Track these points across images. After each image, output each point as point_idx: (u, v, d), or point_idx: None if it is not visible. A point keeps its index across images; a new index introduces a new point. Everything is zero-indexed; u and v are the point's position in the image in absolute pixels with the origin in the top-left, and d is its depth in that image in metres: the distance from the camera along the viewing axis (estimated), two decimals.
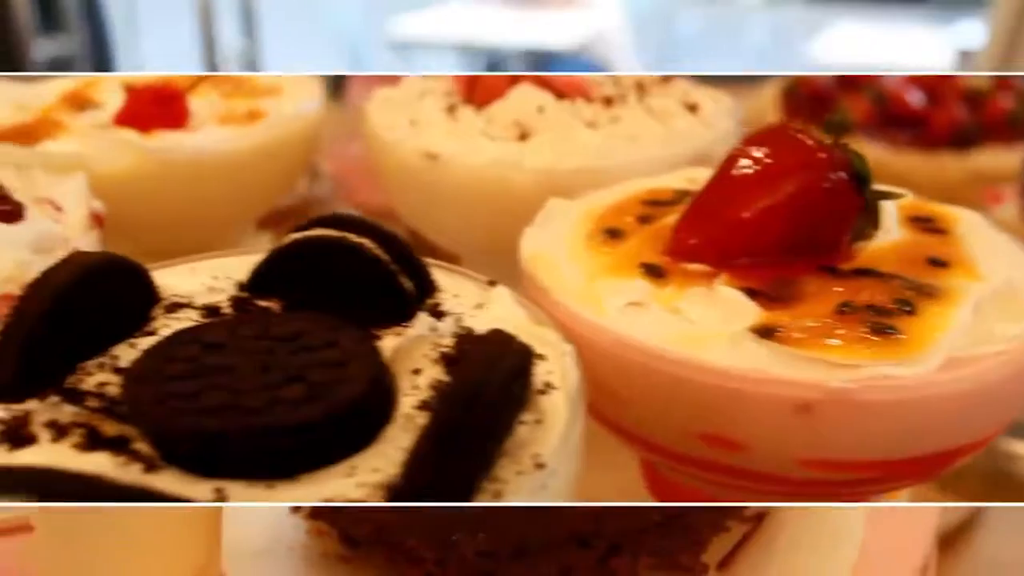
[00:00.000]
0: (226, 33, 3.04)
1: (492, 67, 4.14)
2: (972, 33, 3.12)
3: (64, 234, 0.50)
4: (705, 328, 0.41)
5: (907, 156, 1.04)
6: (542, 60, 4.03)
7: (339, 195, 1.02)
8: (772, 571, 0.49)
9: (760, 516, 0.52)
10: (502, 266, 0.48)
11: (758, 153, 0.45)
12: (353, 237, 0.44)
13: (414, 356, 0.40)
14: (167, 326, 0.43)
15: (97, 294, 0.42)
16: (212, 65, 3.03)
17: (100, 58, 3.09)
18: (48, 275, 0.40)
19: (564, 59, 4.01)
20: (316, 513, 0.53)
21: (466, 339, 0.40)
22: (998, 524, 0.71)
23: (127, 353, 0.41)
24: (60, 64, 2.89)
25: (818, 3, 4.54)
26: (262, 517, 0.55)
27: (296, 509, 0.53)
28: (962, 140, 1.09)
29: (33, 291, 0.40)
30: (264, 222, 0.83)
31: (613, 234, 0.49)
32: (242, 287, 0.46)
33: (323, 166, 1.02)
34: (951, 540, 0.68)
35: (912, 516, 0.54)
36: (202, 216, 0.64)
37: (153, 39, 3.66)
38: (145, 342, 0.42)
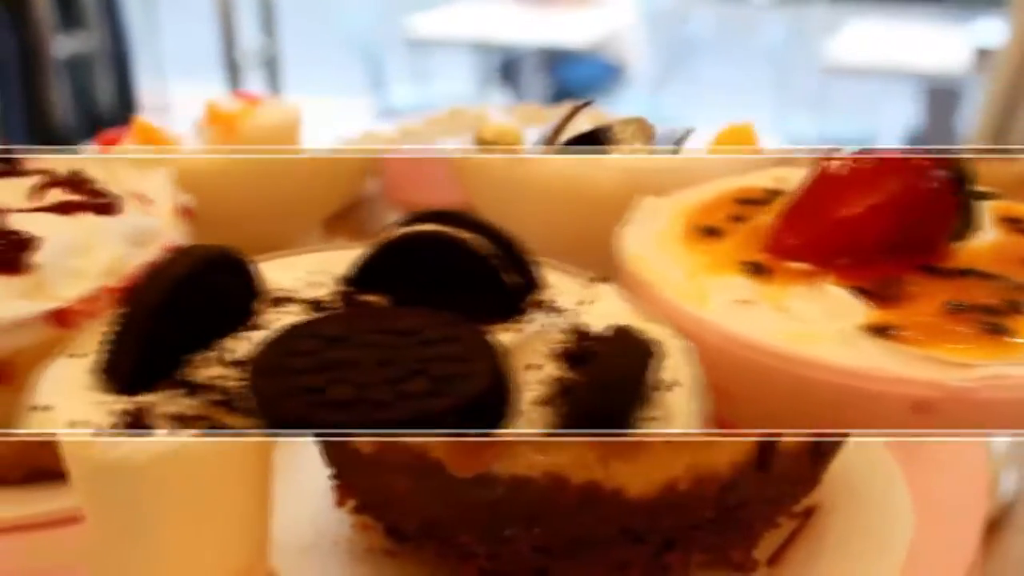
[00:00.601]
0: (246, 31, 3.06)
1: (507, 65, 4.16)
2: (991, 31, 3.12)
3: (158, 227, 0.50)
4: (816, 326, 0.41)
5: None
6: (556, 58, 4.05)
7: (385, 193, 1.03)
8: (821, 566, 0.49)
9: (808, 512, 0.52)
10: (585, 262, 0.48)
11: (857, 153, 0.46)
12: (458, 232, 0.44)
13: (528, 352, 0.41)
14: (274, 320, 0.44)
15: (208, 287, 0.42)
16: (232, 63, 3.06)
17: (118, 56, 3.12)
18: (164, 267, 0.40)
19: (578, 57, 4.03)
20: (362, 507, 0.53)
21: (586, 336, 0.40)
22: None
23: (237, 346, 0.42)
24: (79, 61, 2.94)
25: (834, 1, 4.54)
26: (309, 512, 0.55)
27: (341, 502, 0.54)
28: None
29: (150, 283, 0.40)
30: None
31: (710, 232, 0.49)
32: (344, 282, 0.46)
33: None
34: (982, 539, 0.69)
35: (961, 513, 0.54)
36: (275, 212, 0.65)
37: (173, 37, 3.68)
38: (254, 336, 0.42)
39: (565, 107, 0.64)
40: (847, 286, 0.43)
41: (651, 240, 0.49)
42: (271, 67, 3.23)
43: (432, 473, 0.49)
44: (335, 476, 0.56)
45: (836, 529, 0.52)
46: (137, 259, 0.48)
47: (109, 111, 2.96)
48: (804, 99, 4.17)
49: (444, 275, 0.44)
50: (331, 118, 1.06)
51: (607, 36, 4.00)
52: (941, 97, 3.78)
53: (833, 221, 0.45)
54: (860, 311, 0.42)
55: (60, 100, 2.84)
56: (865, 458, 0.58)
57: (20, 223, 0.48)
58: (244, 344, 0.42)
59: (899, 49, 3.94)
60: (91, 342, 0.42)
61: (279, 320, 0.43)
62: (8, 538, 0.53)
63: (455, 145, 0.84)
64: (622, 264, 0.48)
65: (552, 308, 0.43)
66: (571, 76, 3.99)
